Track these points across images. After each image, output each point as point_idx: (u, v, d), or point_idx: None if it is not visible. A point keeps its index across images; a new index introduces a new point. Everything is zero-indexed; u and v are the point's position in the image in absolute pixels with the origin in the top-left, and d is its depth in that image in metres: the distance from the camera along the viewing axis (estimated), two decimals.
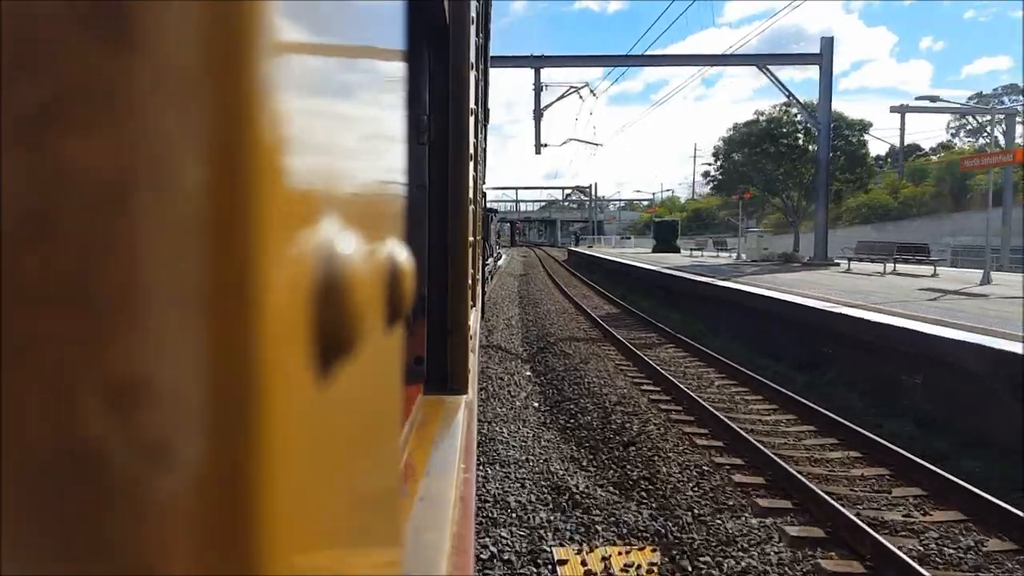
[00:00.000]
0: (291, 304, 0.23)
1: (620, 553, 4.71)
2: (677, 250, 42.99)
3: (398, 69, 0.42)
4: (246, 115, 0.20)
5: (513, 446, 6.93)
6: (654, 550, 4.78)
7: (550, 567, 4.54)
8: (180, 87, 0.19)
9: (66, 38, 0.18)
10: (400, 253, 0.38)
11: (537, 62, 25.73)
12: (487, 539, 4.81)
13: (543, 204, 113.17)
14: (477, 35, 2.17)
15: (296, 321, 0.23)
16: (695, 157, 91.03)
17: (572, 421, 8.02)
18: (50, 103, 0.18)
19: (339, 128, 0.29)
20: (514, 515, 5.30)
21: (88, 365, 0.18)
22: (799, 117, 28.79)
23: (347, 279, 0.26)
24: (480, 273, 3.91)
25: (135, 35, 0.18)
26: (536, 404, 8.86)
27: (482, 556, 4.58)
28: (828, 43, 26.45)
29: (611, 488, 5.98)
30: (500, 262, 34.07)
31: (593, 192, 75.73)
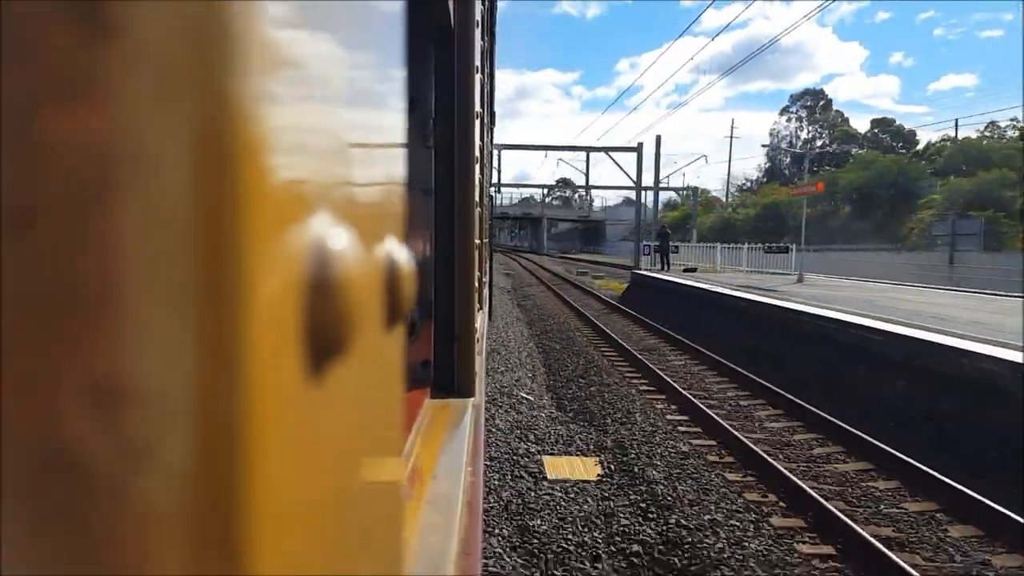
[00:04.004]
0: (280, 302, 0.22)
1: None
2: None
3: (398, 69, 0.42)
4: (234, 109, 0.20)
5: None
6: None
7: None
8: (166, 80, 0.18)
9: (48, 30, 0.18)
10: (399, 254, 0.38)
11: None
12: None
13: (519, 200, 75.32)
14: (482, 38, 2.17)
15: (285, 319, 0.23)
16: (732, 138, 68.79)
17: None
18: (32, 97, 0.18)
19: (334, 127, 0.29)
20: None
21: (70, 364, 0.18)
22: None
23: (340, 277, 0.26)
24: (487, 276, 3.91)
25: (122, 27, 0.18)
26: None
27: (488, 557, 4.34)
28: None
29: None
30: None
31: (653, 151, 33.63)
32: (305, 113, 0.25)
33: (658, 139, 30.10)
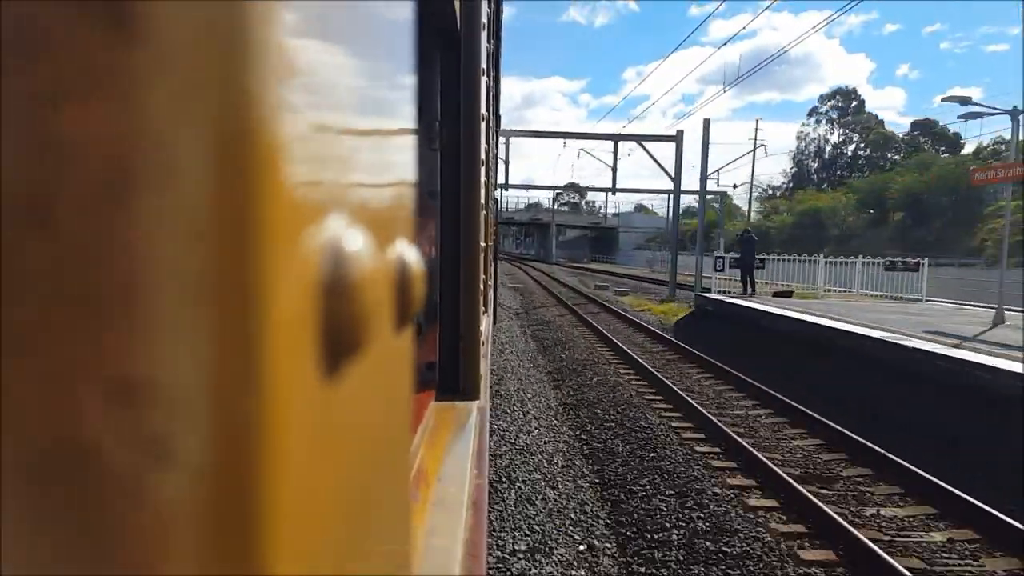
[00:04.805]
0: (297, 302, 0.23)
1: None
2: None
3: (408, 72, 0.42)
4: (252, 112, 0.20)
5: None
6: None
7: None
8: (186, 82, 0.19)
9: (69, 29, 0.18)
10: (409, 256, 0.38)
11: None
12: None
13: (525, 206, 72.68)
14: (488, 41, 2.17)
15: (302, 319, 0.23)
16: (755, 140, 54.72)
17: None
18: (52, 95, 0.18)
19: (348, 131, 0.29)
20: None
21: (89, 361, 0.18)
22: None
23: (354, 278, 0.26)
24: (492, 279, 3.92)
25: (142, 28, 0.18)
26: None
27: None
28: None
29: None
30: None
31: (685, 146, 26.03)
32: (319, 117, 0.25)
33: (706, 123, 22.59)
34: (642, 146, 25.98)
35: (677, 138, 24.42)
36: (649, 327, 15.69)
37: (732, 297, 16.88)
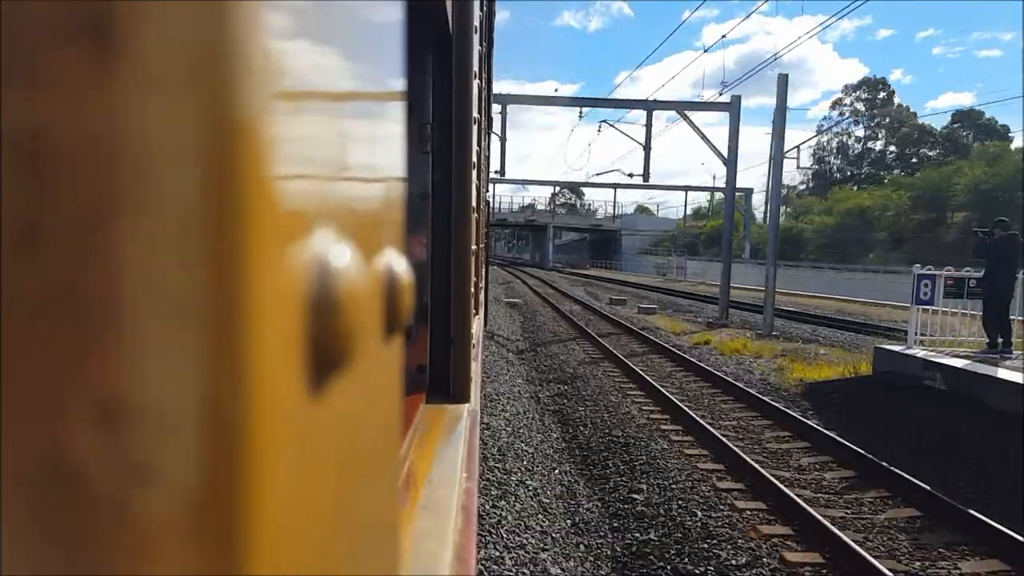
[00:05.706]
0: (283, 318, 0.22)
1: None
2: None
3: (399, 76, 0.42)
4: (238, 125, 0.20)
5: None
6: None
7: None
8: (171, 97, 0.18)
9: (55, 49, 0.18)
10: (399, 264, 0.38)
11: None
12: None
13: (519, 208, 64.94)
14: (480, 43, 2.17)
15: (288, 335, 0.23)
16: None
17: None
18: (38, 114, 0.18)
19: (336, 137, 0.29)
20: None
21: (75, 380, 0.18)
22: None
23: (342, 292, 0.26)
24: (483, 281, 3.92)
25: (125, 45, 0.18)
26: None
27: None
28: None
29: None
30: None
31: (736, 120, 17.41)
32: (308, 125, 0.25)
33: (782, 79, 16.33)
34: (684, 116, 18.95)
35: (732, 106, 17.71)
36: (753, 393, 8.81)
37: (987, 361, 8.41)
